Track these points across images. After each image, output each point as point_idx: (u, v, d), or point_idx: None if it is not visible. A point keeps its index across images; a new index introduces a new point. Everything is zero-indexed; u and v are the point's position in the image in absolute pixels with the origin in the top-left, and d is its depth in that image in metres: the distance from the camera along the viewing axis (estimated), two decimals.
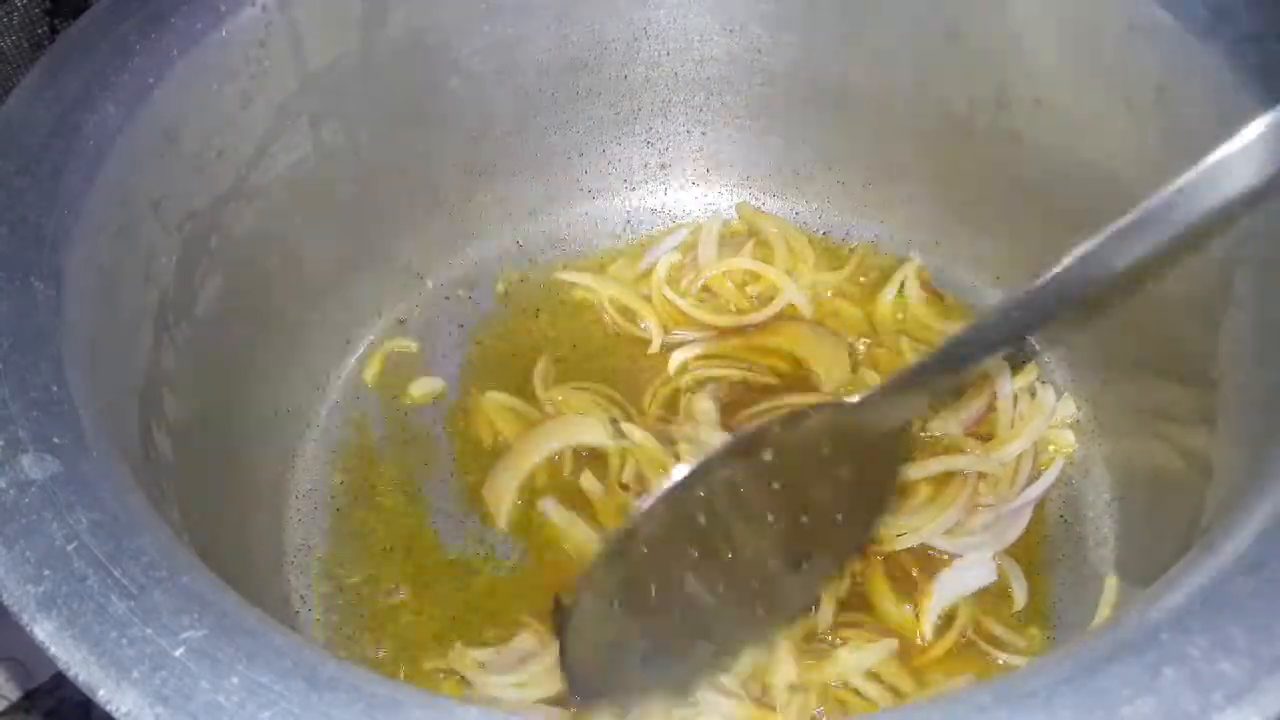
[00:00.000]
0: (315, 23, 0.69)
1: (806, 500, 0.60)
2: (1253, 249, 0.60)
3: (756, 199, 0.91)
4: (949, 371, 0.54)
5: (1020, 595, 0.69)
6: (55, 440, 0.46)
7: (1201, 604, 0.41)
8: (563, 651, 0.60)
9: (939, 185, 0.85)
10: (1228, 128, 0.60)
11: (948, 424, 0.76)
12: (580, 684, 0.60)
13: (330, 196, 0.76)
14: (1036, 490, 0.74)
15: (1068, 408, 0.77)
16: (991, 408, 0.77)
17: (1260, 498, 0.47)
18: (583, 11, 0.81)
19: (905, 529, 0.71)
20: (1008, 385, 0.77)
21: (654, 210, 0.91)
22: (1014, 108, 0.76)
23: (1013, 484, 0.74)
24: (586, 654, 0.59)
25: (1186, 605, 0.41)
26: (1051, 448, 0.76)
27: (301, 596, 0.72)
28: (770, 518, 0.60)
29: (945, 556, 0.71)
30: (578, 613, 0.59)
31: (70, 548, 0.43)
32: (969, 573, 0.70)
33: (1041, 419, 0.76)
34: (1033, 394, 0.78)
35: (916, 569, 0.70)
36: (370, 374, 0.82)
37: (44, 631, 0.40)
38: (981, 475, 0.73)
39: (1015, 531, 0.72)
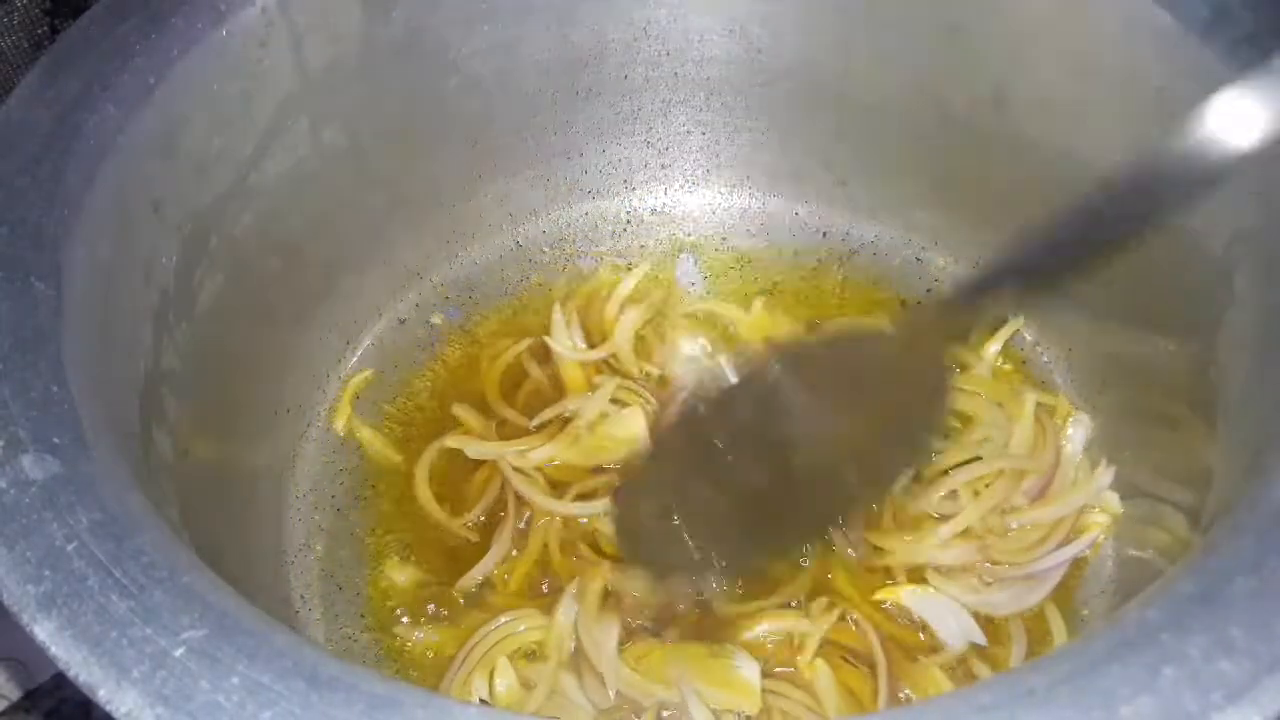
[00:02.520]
0: (315, 23, 0.69)
1: (846, 420, 0.63)
2: (1253, 249, 0.60)
3: (756, 199, 0.91)
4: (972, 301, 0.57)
5: (1018, 657, 0.67)
6: (55, 440, 0.46)
7: (1201, 604, 0.41)
8: (616, 526, 0.69)
9: (939, 185, 0.85)
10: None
11: (1013, 495, 0.73)
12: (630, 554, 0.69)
13: (330, 196, 0.76)
14: (1067, 554, 0.70)
15: (1107, 476, 0.73)
16: (1053, 478, 0.73)
17: (1260, 498, 0.47)
18: (583, 11, 0.81)
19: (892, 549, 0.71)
20: (1079, 442, 0.75)
21: (654, 210, 0.91)
22: (1014, 108, 0.76)
23: (1042, 544, 0.71)
24: (634, 531, 0.68)
25: (1186, 605, 0.41)
26: (1100, 514, 0.72)
27: (301, 596, 0.72)
28: (806, 432, 0.63)
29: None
30: (626, 493, 0.68)
31: (70, 548, 0.42)
32: (935, 610, 0.68)
33: (1086, 492, 0.72)
34: (1093, 465, 0.74)
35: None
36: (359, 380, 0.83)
37: (44, 631, 0.40)
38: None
39: (1037, 596, 0.69)
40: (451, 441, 0.77)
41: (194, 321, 0.64)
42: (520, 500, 0.74)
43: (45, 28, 0.82)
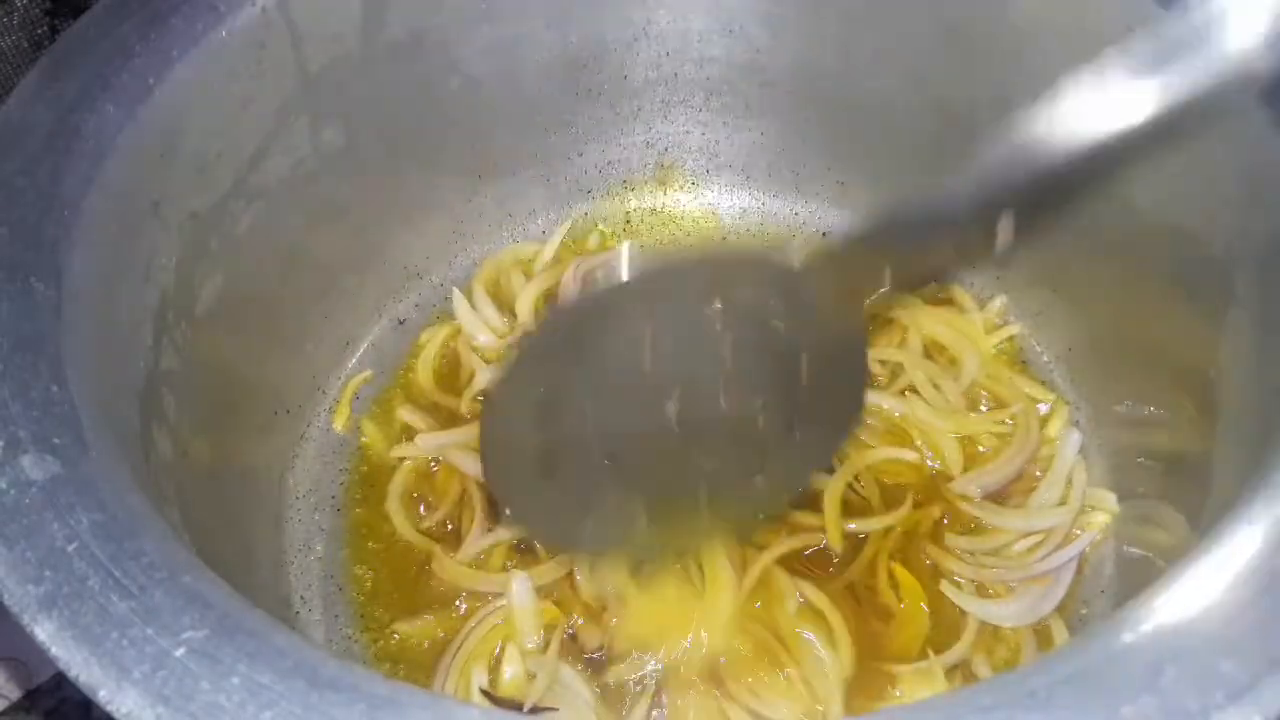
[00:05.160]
0: (315, 23, 0.69)
1: (765, 372, 0.54)
2: (1253, 248, 0.60)
3: (756, 199, 0.91)
4: (895, 243, 0.51)
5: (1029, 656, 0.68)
6: (55, 440, 0.46)
7: (1201, 604, 0.41)
8: (483, 451, 0.55)
9: (939, 185, 0.85)
10: (1227, 128, 0.61)
11: (969, 486, 0.73)
12: (502, 496, 0.57)
13: (330, 197, 0.76)
14: (1070, 553, 0.70)
15: (1075, 439, 0.75)
16: (1020, 476, 0.74)
17: (1260, 498, 0.46)
18: (583, 12, 0.81)
19: None
20: (1071, 451, 0.74)
21: (654, 210, 0.92)
22: (1014, 108, 0.76)
23: (1039, 548, 0.71)
24: (504, 464, 0.54)
25: (1187, 605, 0.41)
26: (1095, 512, 0.73)
27: (301, 597, 0.72)
28: (725, 378, 0.54)
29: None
30: (496, 404, 0.52)
31: (71, 548, 0.43)
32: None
33: (1071, 508, 0.72)
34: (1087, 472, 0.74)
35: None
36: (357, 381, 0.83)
37: (45, 632, 0.40)
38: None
39: (1049, 604, 0.69)
40: (397, 451, 0.78)
41: (194, 321, 0.64)
42: (478, 483, 0.75)
43: (45, 28, 0.82)
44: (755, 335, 0.54)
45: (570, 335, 0.52)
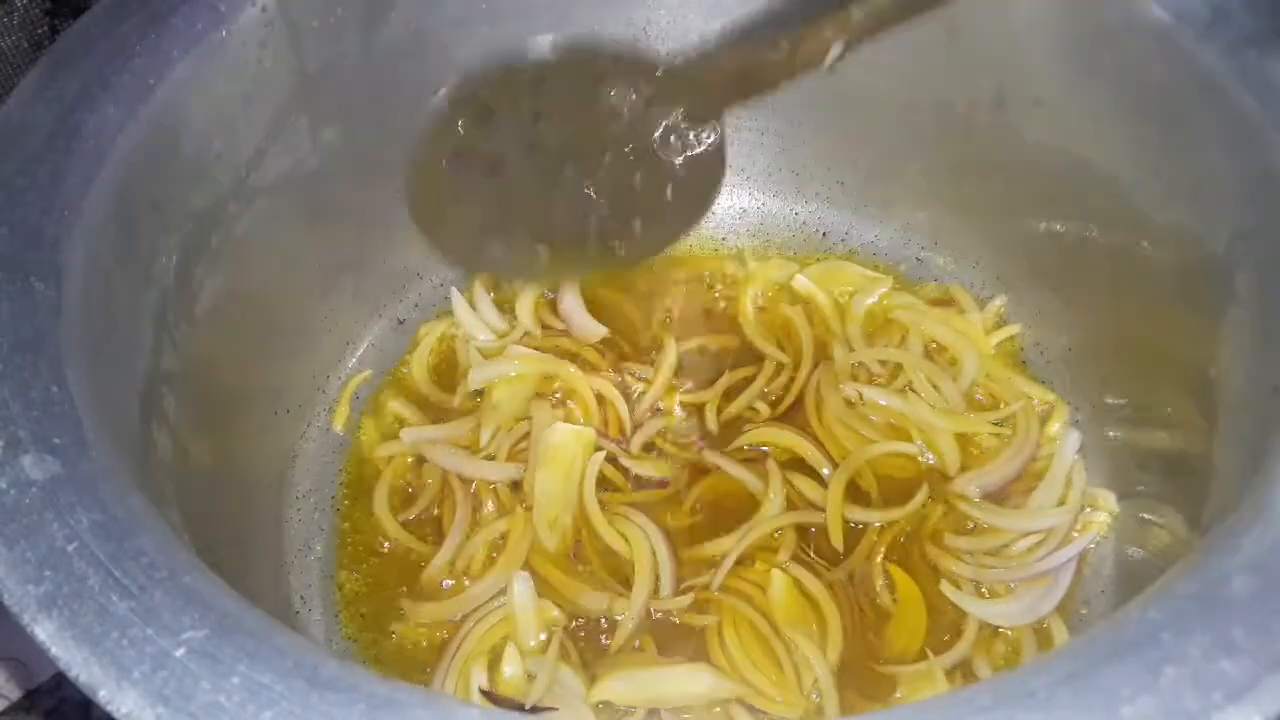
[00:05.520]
0: (315, 23, 0.69)
1: (646, 147, 0.66)
2: (1253, 248, 0.60)
3: (756, 199, 0.91)
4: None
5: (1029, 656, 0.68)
6: (55, 440, 0.46)
7: (1201, 604, 0.41)
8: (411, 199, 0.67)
9: (939, 185, 0.85)
10: (1227, 128, 0.61)
11: (968, 486, 0.74)
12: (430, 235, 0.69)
13: (330, 197, 0.76)
14: (1071, 552, 0.70)
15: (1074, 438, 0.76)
16: (1019, 476, 0.74)
17: (1260, 498, 0.47)
18: (583, 11, 0.81)
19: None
20: (1071, 451, 0.74)
21: None
22: (1014, 108, 0.76)
23: (1037, 550, 0.71)
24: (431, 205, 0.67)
25: (1186, 605, 0.41)
26: (1092, 511, 0.73)
27: (301, 597, 0.72)
28: (615, 146, 0.66)
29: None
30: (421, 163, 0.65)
31: (71, 548, 0.43)
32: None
33: (1070, 509, 0.72)
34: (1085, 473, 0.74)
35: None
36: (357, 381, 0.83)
37: (45, 632, 0.40)
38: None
39: (1049, 603, 0.69)
40: (382, 450, 0.78)
41: (194, 321, 0.64)
42: (460, 477, 0.75)
43: (45, 28, 0.82)
44: (640, 119, 0.67)
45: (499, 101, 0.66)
